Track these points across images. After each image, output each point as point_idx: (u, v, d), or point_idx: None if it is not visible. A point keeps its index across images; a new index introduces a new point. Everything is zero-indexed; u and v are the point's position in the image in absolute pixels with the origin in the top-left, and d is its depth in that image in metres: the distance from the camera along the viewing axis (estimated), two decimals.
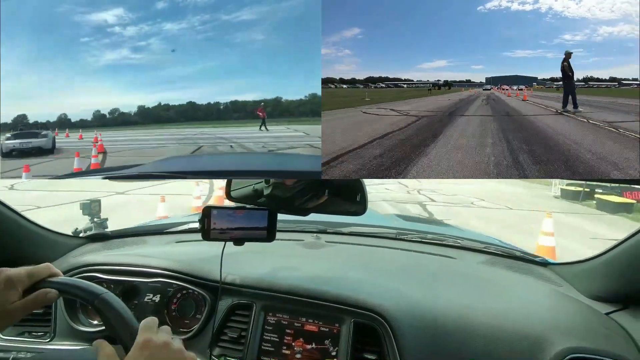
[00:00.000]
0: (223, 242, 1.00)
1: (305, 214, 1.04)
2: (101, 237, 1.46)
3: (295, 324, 0.98)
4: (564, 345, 0.83)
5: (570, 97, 4.46)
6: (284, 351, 0.96)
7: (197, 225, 0.98)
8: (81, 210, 1.55)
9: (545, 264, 1.27)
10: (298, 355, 0.95)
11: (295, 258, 1.23)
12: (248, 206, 1.00)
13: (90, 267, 1.15)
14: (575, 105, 4.48)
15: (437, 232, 1.55)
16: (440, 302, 0.95)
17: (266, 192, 1.04)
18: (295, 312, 0.99)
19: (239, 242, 0.99)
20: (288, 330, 0.98)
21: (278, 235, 1.01)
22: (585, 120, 3.91)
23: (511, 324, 0.88)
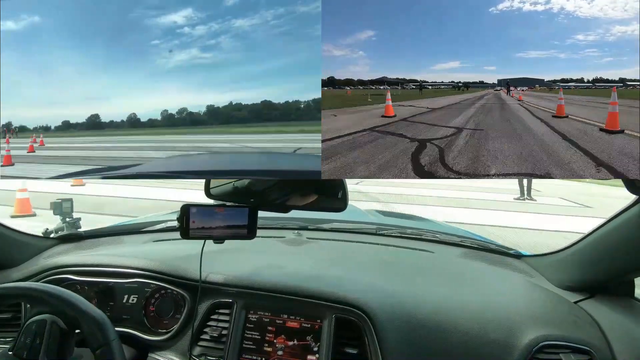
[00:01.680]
0: (202, 241, 0.98)
1: (286, 210, 1.04)
2: (74, 237, 1.41)
3: (277, 321, 0.98)
4: (536, 334, 0.86)
5: (511, 91, 11.99)
6: (265, 348, 0.96)
7: (175, 223, 0.96)
8: (52, 210, 1.48)
9: (518, 256, 1.32)
10: (280, 352, 0.95)
11: (277, 255, 1.22)
12: (228, 204, 0.98)
13: (61, 269, 1.11)
14: (509, 94, 11.64)
15: (416, 227, 1.57)
16: (419, 295, 0.98)
17: (246, 189, 1.03)
18: (276, 309, 0.99)
19: (219, 240, 0.98)
20: (269, 328, 0.97)
21: (259, 232, 1.00)
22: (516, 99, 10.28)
23: (487, 315, 0.91)
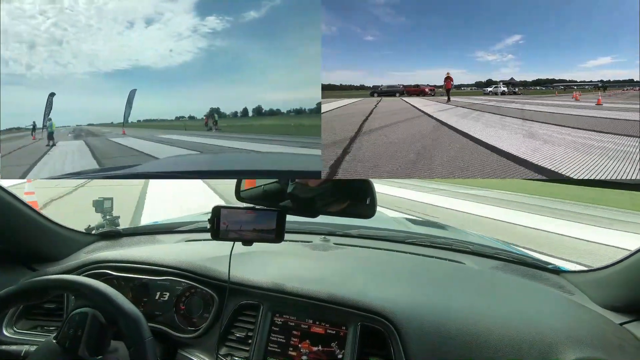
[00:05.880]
0: (232, 242, 1.00)
1: (314, 215, 1.04)
2: (113, 234, 1.49)
3: (302, 326, 0.98)
4: (576, 355, 0.81)
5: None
6: (290, 352, 0.96)
7: (207, 224, 0.99)
8: (94, 208, 1.58)
9: (557, 271, 1.25)
10: (304, 357, 0.95)
11: (304, 259, 1.23)
12: (257, 207, 1.00)
13: (101, 264, 1.17)
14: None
15: (447, 237, 1.53)
16: (448, 307, 0.94)
17: (275, 193, 1.04)
18: (302, 313, 0.99)
19: (247, 242, 1.00)
20: (295, 332, 0.98)
21: (286, 236, 1.01)
22: None
23: (521, 332, 0.86)
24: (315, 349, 0.95)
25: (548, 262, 1.32)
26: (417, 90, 11.20)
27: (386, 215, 1.99)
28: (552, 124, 4.32)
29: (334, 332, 0.95)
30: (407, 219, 2.14)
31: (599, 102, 7.74)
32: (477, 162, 2.49)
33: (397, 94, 11.22)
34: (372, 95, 11.62)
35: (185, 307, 1.09)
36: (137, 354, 0.78)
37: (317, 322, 0.97)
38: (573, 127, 4.05)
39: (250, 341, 0.99)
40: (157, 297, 1.11)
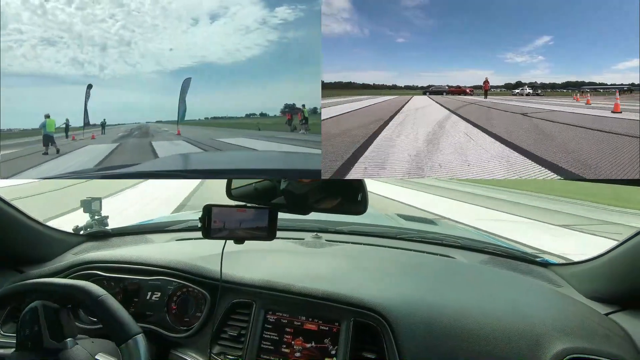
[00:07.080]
0: (223, 241, 1.00)
1: (305, 212, 1.04)
2: (102, 234, 1.47)
3: (295, 323, 0.98)
4: (563, 346, 0.83)
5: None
6: (283, 350, 0.96)
7: (198, 223, 0.98)
8: (82, 208, 1.55)
9: (545, 264, 1.27)
10: (297, 354, 0.95)
11: (296, 257, 1.23)
12: (249, 205, 1.00)
13: (90, 265, 1.16)
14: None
15: (437, 232, 1.55)
16: (440, 301, 0.95)
17: (267, 191, 1.04)
18: (294, 310, 0.99)
19: (239, 240, 0.99)
20: (288, 329, 0.98)
21: (278, 234, 1.01)
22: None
23: (511, 324, 0.88)
24: (308, 345, 0.95)
25: (536, 255, 1.34)
26: (459, 91, 12.88)
27: (377, 211, 2.00)
28: (537, 103, 8.08)
29: (327, 328, 0.95)
30: (398, 214, 2.15)
31: (577, 99, 9.84)
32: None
33: (444, 93, 12.74)
34: (424, 94, 12.94)
35: (177, 306, 1.08)
36: (98, 310, 0.77)
37: (310, 319, 0.97)
38: (546, 103, 7.89)
39: (243, 339, 0.98)
40: (148, 297, 1.10)
